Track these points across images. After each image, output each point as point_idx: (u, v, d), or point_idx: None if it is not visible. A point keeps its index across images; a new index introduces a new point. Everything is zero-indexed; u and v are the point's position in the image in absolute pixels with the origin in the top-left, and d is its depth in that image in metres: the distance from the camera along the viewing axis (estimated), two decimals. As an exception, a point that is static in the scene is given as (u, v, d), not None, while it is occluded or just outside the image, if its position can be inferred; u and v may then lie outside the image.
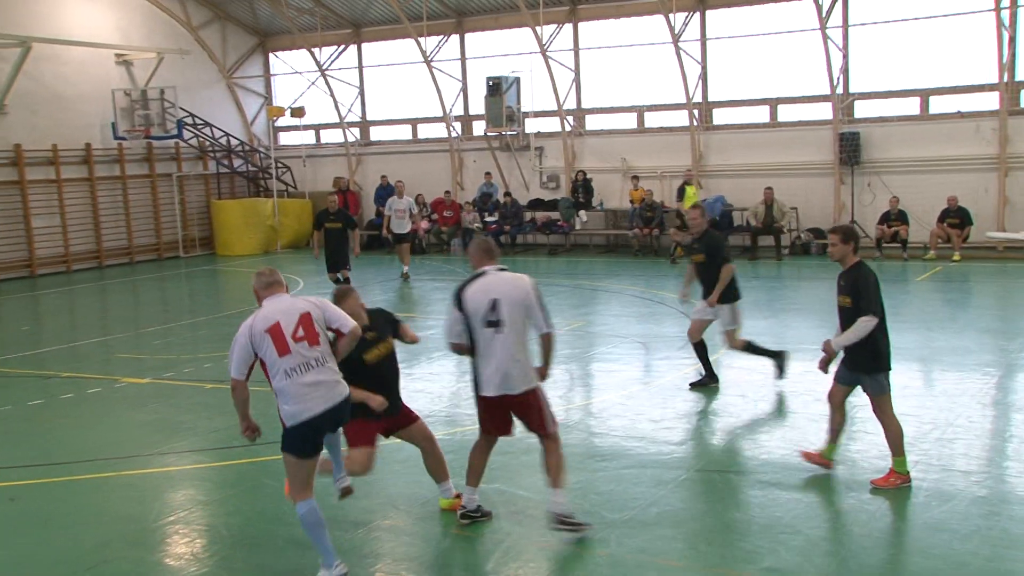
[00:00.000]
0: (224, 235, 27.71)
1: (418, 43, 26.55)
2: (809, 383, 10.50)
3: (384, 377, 7.25)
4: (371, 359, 7.15)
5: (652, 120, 25.38)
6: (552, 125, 26.24)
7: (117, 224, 26.36)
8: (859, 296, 7.48)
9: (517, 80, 25.98)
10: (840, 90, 22.63)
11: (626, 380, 11.63)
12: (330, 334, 6.52)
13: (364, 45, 28.98)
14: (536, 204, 26.19)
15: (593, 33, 25.69)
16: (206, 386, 11.95)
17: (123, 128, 25.54)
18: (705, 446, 9.24)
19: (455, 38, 27.30)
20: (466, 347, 6.97)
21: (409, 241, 21.27)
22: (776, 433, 8.77)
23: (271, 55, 30.77)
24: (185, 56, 27.32)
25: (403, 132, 29.10)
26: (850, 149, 22.22)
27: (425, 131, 28.64)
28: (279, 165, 29.33)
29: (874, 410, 7.80)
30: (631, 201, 24.47)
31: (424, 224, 25.87)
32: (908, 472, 7.68)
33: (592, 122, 26.17)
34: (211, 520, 7.74)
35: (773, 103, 23.91)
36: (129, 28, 26.76)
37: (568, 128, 25.81)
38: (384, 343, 7.30)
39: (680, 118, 24.66)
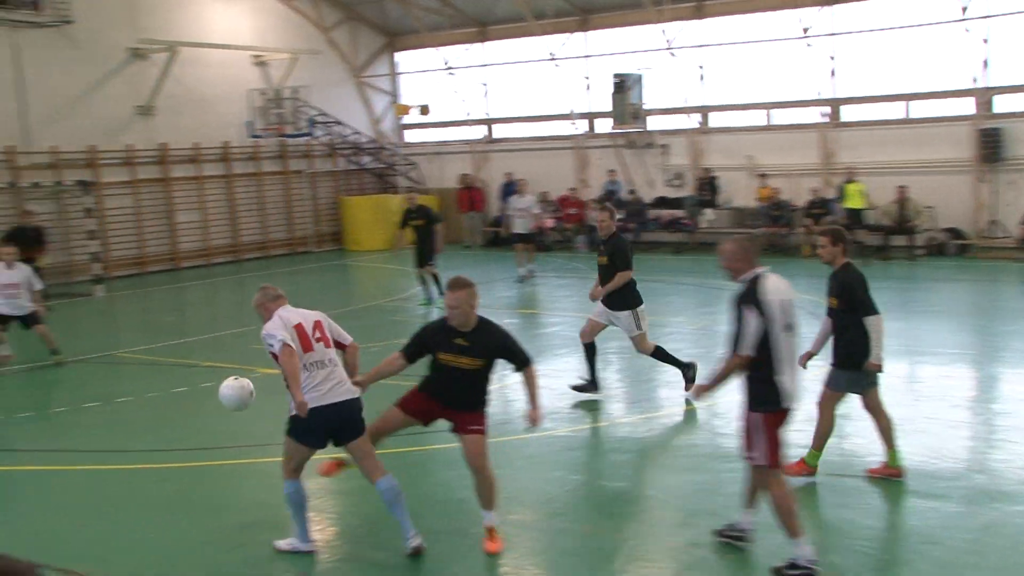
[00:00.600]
0: (353, 230, 28.36)
1: (543, 41, 26.60)
2: (945, 388, 10.14)
3: (450, 378, 6.83)
4: (443, 361, 6.80)
5: (780, 117, 24.84)
6: (678, 122, 25.95)
7: (252, 219, 27.24)
8: (850, 297, 7.60)
9: (642, 77, 25.77)
10: (981, 84, 21.69)
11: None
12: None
13: (489, 43, 29.20)
14: (661, 202, 25.95)
15: (719, 29, 25.27)
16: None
17: (259, 126, 26.39)
18: (836, 450, 8.99)
19: (580, 35, 27.26)
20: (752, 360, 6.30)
21: (532, 241, 21.12)
22: (912, 439, 8.46)
23: (399, 54, 31.29)
24: (317, 56, 28.03)
25: (528, 130, 29.22)
26: (991, 146, 21.29)
27: (550, 129, 28.69)
28: (406, 162, 29.82)
29: (832, 403, 7.94)
30: (758, 199, 24.01)
31: (549, 222, 25.96)
32: (816, 466, 7.95)
33: (718, 119, 25.77)
34: (343, 509, 7.92)
35: (907, 99, 23.09)
36: (266, 31, 27.60)
37: (694, 125, 25.48)
38: (470, 359, 6.73)
39: (809, 115, 24.05)
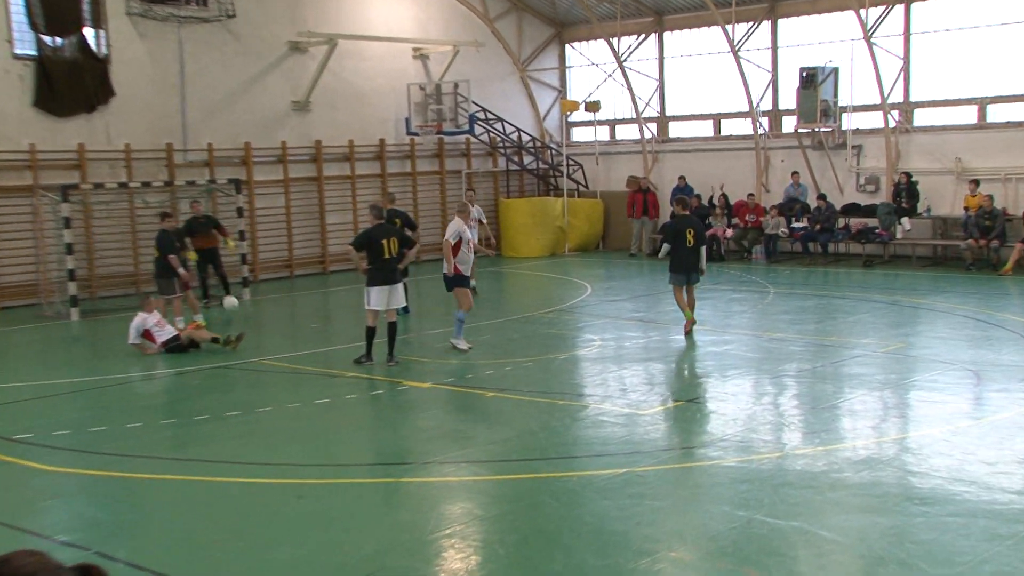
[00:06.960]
0: (511, 235, 28.41)
1: (725, 31, 26.20)
2: None
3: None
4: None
5: (996, 114, 23.65)
6: (874, 121, 25.10)
7: (407, 222, 27.79)
8: None
9: (835, 71, 25.05)
10: None
11: (952, 414, 10.88)
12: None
13: (666, 34, 28.97)
14: (851, 209, 25.10)
15: (929, 14, 24.23)
16: (486, 394, 12.31)
17: (416, 123, 26.92)
18: None
19: (766, 25, 26.73)
20: None
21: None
22: None
23: (567, 46, 31.41)
24: (480, 49, 28.42)
25: (704, 128, 28.84)
26: None
27: (728, 127, 28.23)
28: (571, 163, 29.88)
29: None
30: (965, 208, 22.89)
31: (729, 232, 25.65)
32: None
33: (922, 117, 24.77)
34: (487, 536, 7.94)
35: None
36: (427, 22, 28.20)
37: (892, 124, 24.56)
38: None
39: (1030, 112, 22.84)
